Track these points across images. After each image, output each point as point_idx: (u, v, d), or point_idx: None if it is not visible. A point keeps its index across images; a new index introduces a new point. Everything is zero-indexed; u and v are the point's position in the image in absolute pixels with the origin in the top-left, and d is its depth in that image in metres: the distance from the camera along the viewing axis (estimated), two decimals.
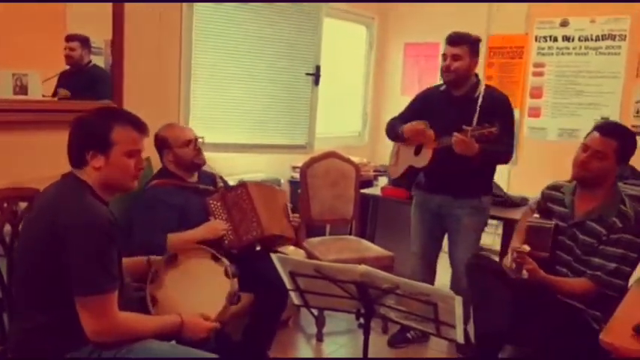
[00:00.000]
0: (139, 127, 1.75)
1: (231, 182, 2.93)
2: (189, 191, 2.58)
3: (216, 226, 2.47)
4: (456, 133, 2.62)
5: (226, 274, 1.92)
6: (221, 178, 2.83)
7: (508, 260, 2.25)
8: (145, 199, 2.47)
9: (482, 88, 2.82)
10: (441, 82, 2.95)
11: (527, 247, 2.21)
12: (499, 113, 2.75)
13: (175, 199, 2.49)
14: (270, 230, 2.56)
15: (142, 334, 1.66)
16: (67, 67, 2.82)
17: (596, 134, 2.26)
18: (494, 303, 2.24)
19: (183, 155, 2.58)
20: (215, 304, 1.87)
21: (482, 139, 2.59)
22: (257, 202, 2.56)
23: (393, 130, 2.98)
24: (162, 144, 2.60)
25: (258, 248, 2.60)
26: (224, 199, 2.57)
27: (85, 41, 2.87)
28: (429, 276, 3.06)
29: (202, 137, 2.68)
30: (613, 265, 2.15)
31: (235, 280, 1.92)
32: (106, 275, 1.58)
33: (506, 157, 2.84)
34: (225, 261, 1.95)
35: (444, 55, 2.82)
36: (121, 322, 1.61)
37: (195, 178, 2.66)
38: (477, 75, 2.88)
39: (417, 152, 2.91)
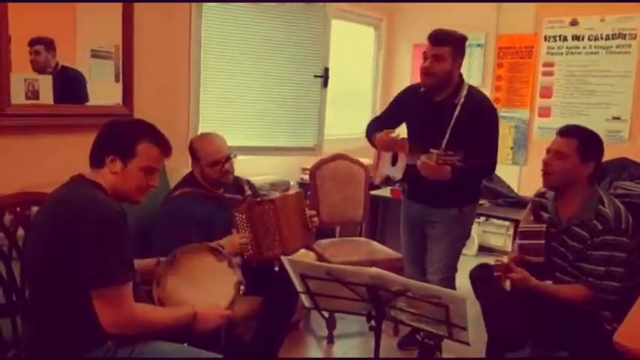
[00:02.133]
0: (165, 148, 1.79)
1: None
2: (214, 201, 2.54)
3: (235, 241, 2.40)
4: (422, 157, 2.46)
5: (230, 265, 1.93)
6: (248, 182, 2.77)
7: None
8: (169, 209, 2.45)
9: (463, 94, 2.59)
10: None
11: (505, 259, 2.20)
12: (479, 124, 2.56)
13: (200, 210, 2.45)
14: (290, 249, 2.54)
15: (158, 325, 1.68)
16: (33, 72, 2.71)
17: (556, 137, 2.32)
18: (502, 311, 2.23)
19: (209, 173, 2.53)
20: (224, 295, 1.89)
21: (448, 164, 2.42)
22: (282, 220, 2.50)
23: (368, 135, 2.86)
24: (193, 154, 2.57)
25: (276, 269, 2.57)
26: (250, 212, 2.48)
27: (49, 44, 2.76)
28: (423, 281, 2.99)
29: (235, 155, 2.61)
30: (602, 268, 2.13)
31: (239, 269, 1.94)
32: (121, 266, 1.59)
33: (486, 170, 2.71)
34: (225, 253, 1.96)
35: (425, 54, 2.60)
36: (138, 313, 1.62)
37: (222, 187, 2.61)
38: (460, 76, 2.66)
39: (394, 162, 2.79)
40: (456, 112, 2.56)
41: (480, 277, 2.39)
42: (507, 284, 2.15)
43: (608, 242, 2.13)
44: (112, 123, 1.79)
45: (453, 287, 2.82)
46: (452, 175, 2.44)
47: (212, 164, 2.51)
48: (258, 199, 2.56)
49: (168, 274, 1.88)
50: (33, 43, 2.70)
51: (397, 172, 2.75)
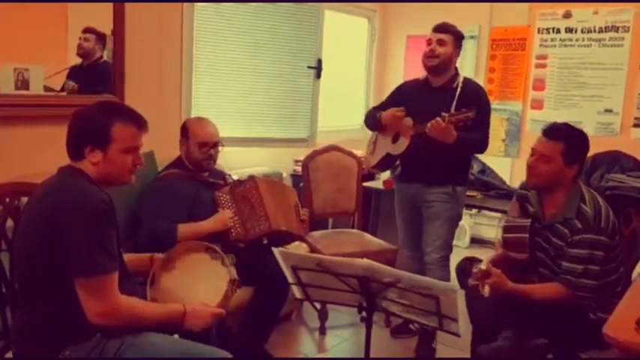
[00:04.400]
0: (139, 123, 1.75)
1: (235, 176, 2.94)
2: (199, 183, 2.60)
3: (224, 218, 2.49)
4: (436, 119, 2.59)
5: (223, 263, 1.92)
6: (230, 175, 2.85)
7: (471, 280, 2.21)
8: (155, 187, 2.52)
9: (460, 80, 2.80)
10: (422, 76, 2.94)
11: (483, 266, 2.18)
12: (476, 104, 2.69)
13: (185, 190, 2.52)
14: (277, 225, 2.57)
15: (144, 319, 1.66)
16: (79, 59, 2.85)
17: (542, 138, 2.25)
18: (487, 304, 2.23)
19: (193, 153, 2.60)
20: (216, 294, 1.87)
21: (459, 125, 2.58)
22: (265, 197, 2.58)
23: (372, 117, 2.97)
24: (184, 131, 2.64)
25: (265, 242, 2.60)
26: (233, 193, 2.59)
27: (101, 37, 2.91)
28: (419, 268, 2.97)
29: (223, 145, 2.69)
30: (580, 266, 2.12)
31: (233, 268, 1.92)
32: (105, 255, 1.57)
33: (480, 146, 2.84)
34: (220, 251, 1.95)
35: (429, 41, 2.81)
36: (123, 304, 1.61)
37: (205, 172, 2.68)
38: (456, 68, 2.86)
39: (395, 140, 2.89)
40: (458, 91, 2.76)
41: (466, 270, 2.39)
42: (486, 290, 2.14)
43: (587, 241, 2.12)
44: (79, 113, 1.73)
45: (448, 266, 2.89)
46: (455, 139, 2.59)
47: (200, 145, 2.59)
48: (239, 180, 2.69)
49: (162, 272, 1.88)
50: (86, 30, 2.86)
51: (399, 148, 2.84)
